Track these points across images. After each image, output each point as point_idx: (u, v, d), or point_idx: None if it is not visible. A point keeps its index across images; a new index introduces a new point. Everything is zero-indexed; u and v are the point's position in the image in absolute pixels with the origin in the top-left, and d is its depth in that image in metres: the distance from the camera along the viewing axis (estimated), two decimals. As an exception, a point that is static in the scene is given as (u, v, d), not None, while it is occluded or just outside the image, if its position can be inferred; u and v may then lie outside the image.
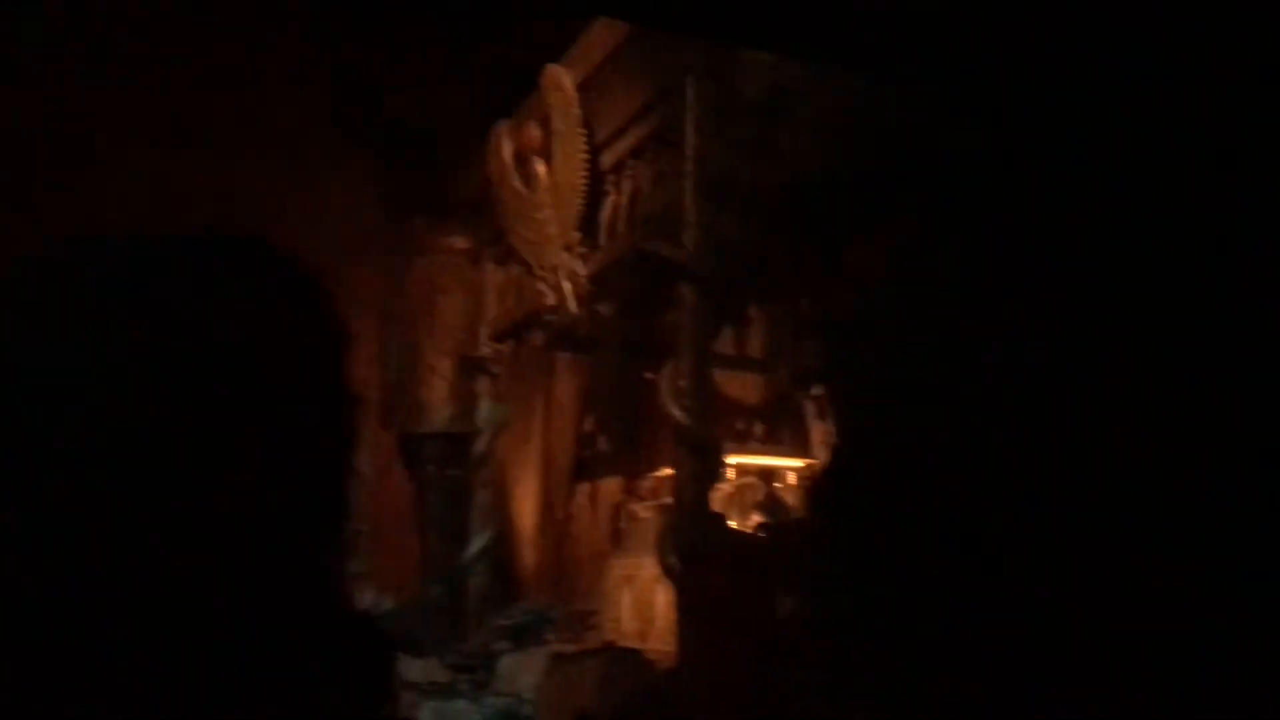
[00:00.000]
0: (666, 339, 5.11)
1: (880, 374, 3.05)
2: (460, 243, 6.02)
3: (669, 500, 5.60)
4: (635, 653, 4.27)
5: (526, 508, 6.49)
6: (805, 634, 2.67)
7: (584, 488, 6.24)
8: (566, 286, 4.51)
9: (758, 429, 4.87)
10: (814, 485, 2.88)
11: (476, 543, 5.10)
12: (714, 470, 3.74)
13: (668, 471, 5.57)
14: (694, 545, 3.54)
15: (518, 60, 5.16)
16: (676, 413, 3.63)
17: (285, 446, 0.81)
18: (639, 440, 5.89)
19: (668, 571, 3.62)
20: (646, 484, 5.57)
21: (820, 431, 5.35)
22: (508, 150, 4.81)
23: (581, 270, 4.43)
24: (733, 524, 4.11)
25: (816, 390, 5.41)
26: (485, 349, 5.30)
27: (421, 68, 5.71)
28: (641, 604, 5.06)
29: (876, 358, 3.07)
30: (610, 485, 6.12)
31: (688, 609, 3.55)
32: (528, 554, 6.48)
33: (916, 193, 3.03)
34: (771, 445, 4.87)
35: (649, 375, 5.85)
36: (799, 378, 5.36)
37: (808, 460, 4.80)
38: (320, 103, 6.23)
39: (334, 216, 6.28)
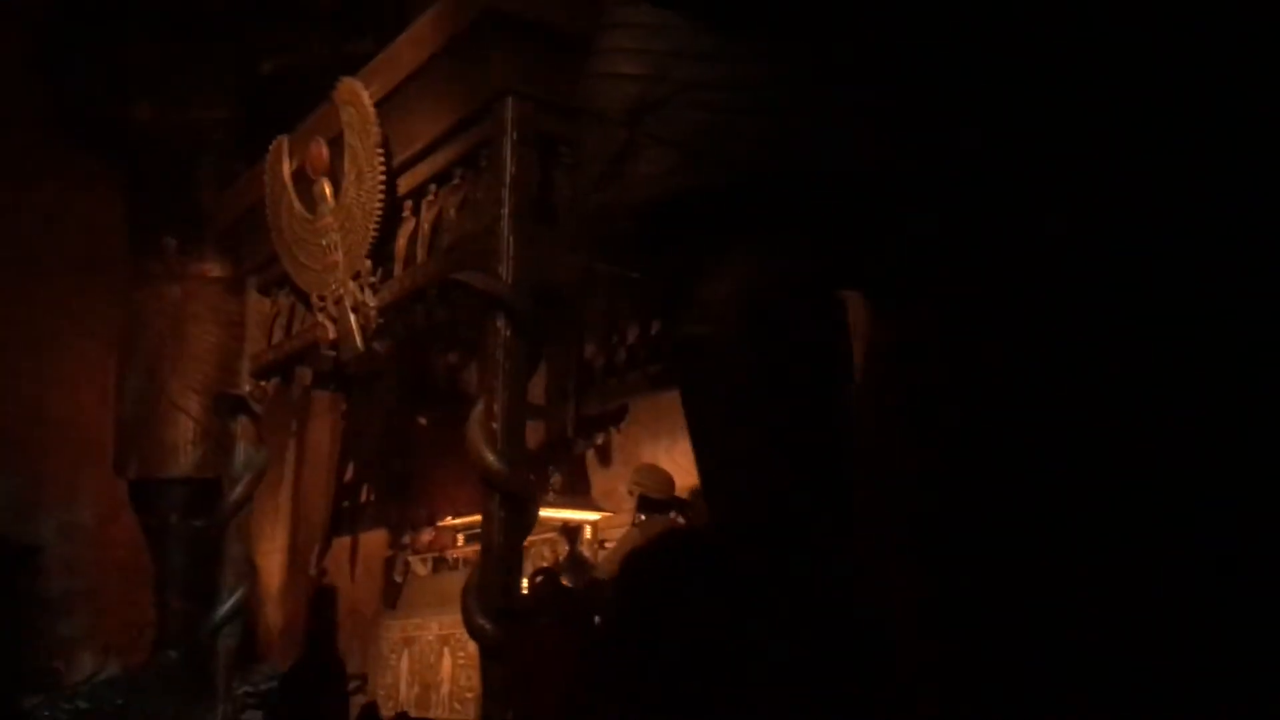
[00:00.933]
0: (449, 380, 4.75)
1: (742, 412, 2.86)
2: (216, 269, 5.49)
3: (455, 553, 5.23)
4: (430, 724, 3.88)
5: (273, 563, 5.96)
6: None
7: (342, 541, 5.78)
8: (352, 319, 4.11)
9: (555, 480, 4.57)
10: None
11: (229, 600, 4.56)
12: (528, 521, 3.43)
13: (449, 521, 5.21)
14: (507, 603, 3.21)
15: (300, 71, 4.75)
16: (489, 458, 3.30)
17: None
18: (410, 490, 5.50)
19: (475, 633, 3.26)
20: (424, 537, 5.18)
21: (605, 481, 5.13)
22: (288, 168, 4.37)
23: (371, 301, 4.04)
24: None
25: (600, 439, 5.20)
26: (246, 386, 4.78)
27: (181, 72, 5.18)
28: (422, 668, 4.65)
29: (732, 395, 2.87)
30: (375, 538, 5.69)
31: (500, 675, 3.20)
32: (274, 614, 5.95)
33: (775, 217, 2.86)
34: (569, 497, 4.59)
35: (422, 420, 5.49)
36: (583, 425, 5.13)
37: (603, 514, 4.54)
38: (53, 105, 5.61)
39: (67, 235, 5.66)
